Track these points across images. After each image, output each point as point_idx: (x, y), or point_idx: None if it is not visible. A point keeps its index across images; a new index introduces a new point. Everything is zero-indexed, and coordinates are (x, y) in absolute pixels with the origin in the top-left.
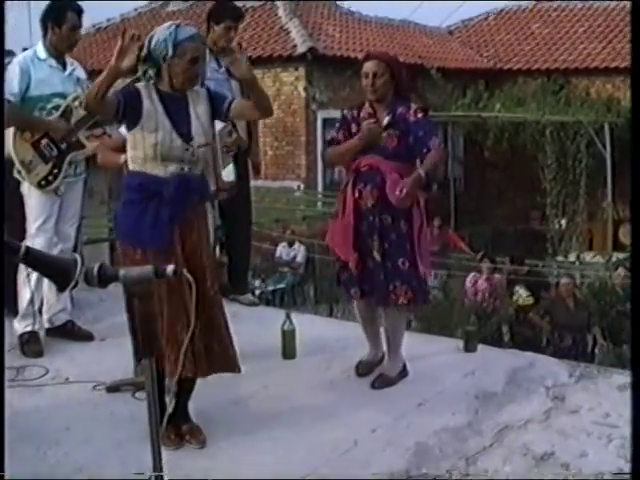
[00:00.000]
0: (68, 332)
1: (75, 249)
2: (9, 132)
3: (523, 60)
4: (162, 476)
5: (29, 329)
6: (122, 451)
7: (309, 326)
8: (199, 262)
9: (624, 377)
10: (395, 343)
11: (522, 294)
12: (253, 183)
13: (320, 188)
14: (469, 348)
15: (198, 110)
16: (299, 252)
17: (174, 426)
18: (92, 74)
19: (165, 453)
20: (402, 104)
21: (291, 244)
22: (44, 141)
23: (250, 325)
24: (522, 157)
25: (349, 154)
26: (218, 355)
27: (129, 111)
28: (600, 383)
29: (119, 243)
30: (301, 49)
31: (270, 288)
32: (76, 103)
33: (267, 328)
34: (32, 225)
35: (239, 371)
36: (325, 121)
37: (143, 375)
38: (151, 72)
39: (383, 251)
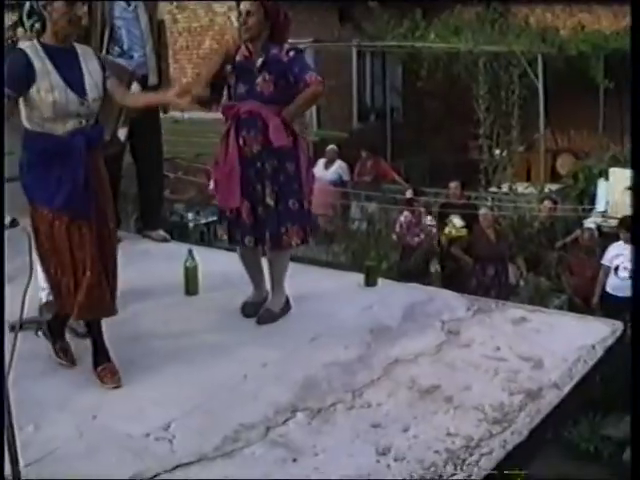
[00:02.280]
0: None
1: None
2: None
3: None
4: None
5: None
6: (17, 388)
7: (215, 261)
8: (101, 206)
9: (521, 311)
10: (279, 280)
11: (456, 224)
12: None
13: None
14: (369, 283)
15: (89, 65)
16: None
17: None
18: None
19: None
20: (276, 46)
21: None
22: None
23: (158, 262)
24: (458, 87)
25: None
26: (98, 298)
27: (23, 81)
28: (496, 317)
29: (29, 201)
30: None
31: (203, 221)
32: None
33: (175, 265)
34: None
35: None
36: None
37: (47, 314)
38: (37, 25)
39: (274, 195)
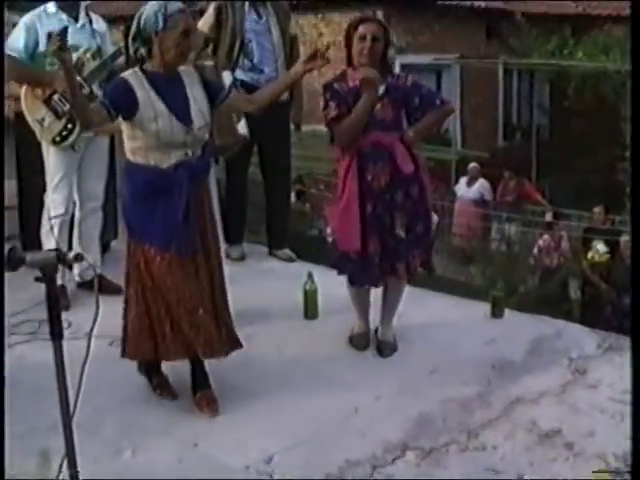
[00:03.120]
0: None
1: (105, 207)
2: (21, 91)
3: (612, 5)
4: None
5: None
6: (122, 411)
7: (337, 284)
8: (207, 240)
9: None
10: (395, 309)
11: (599, 250)
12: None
13: None
14: (496, 314)
15: (194, 92)
16: None
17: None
18: (116, 21)
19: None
20: (388, 73)
21: None
22: (56, 97)
23: (280, 282)
24: (606, 107)
25: (362, 121)
26: (227, 334)
27: (122, 107)
28: (627, 356)
29: (131, 239)
30: None
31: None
32: (88, 56)
33: (298, 286)
34: (50, 183)
35: (241, 347)
36: (403, 67)
37: None
38: (142, 50)
39: (405, 226)
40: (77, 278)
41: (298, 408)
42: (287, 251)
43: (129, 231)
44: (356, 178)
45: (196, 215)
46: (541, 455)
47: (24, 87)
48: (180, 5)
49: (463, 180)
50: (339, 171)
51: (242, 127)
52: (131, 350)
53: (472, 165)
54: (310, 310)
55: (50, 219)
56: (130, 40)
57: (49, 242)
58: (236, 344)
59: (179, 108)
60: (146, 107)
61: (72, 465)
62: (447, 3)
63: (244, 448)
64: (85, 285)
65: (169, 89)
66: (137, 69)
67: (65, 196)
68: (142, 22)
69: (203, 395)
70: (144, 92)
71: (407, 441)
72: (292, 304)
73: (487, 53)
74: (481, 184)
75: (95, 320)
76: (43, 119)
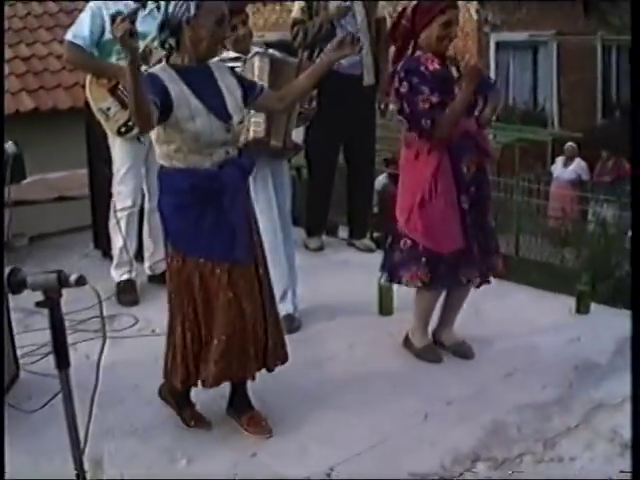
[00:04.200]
0: None
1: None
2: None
3: None
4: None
5: (125, 277)
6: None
7: None
8: (255, 246)
9: None
10: (457, 313)
11: None
12: None
13: None
14: (580, 310)
15: (227, 83)
16: None
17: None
18: None
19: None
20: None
21: None
22: (121, 86)
23: (357, 275)
24: None
25: (464, 110)
26: (274, 346)
27: (160, 107)
28: None
29: (175, 254)
30: None
31: None
32: (155, 44)
33: (375, 278)
34: (117, 174)
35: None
36: (498, 45)
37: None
38: (171, 41)
39: (485, 223)
40: (148, 271)
41: (363, 413)
42: (366, 241)
43: (174, 245)
44: (450, 172)
45: (247, 221)
46: (623, 468)
47: (89, 75)
48: None
49: (559, 160)
50: (417, 165)
51: (298, 136)
52: (183, 376)
53: (568, 144)
54: (385, 306)
55: (116, 212)
56: (157, 29)
57: (117, 236)
58: (284, 358)
59: (215, 104)
60: (181, 106)
61: None
62: None
63: (304, 458)
64: (155, 279)
65: (202, 84)
66: (164, 63)
67: (132, 188)
68: (170, 11)
69: (251, 418)
70: (177, 89)
71: (478, 451)
72: (367, 298)
73: (585, 29)
74: (577, 164)
75: (102, 349)
76: (109, 108)
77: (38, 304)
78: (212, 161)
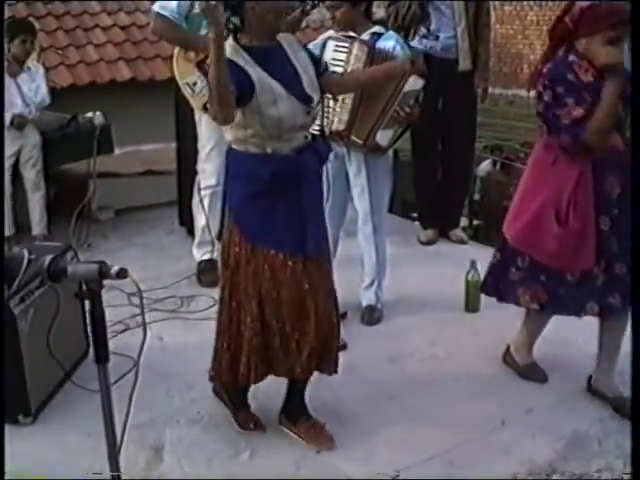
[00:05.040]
0: None
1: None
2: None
3: None
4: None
5: (206, 257)
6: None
7: None
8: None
9: None
10: (619, 351)
11: None
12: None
13: None
14: None
15: (301, 61)
16: None
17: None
18: None
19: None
20: None
21: None
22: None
23: (447, 267)
24: None
25: (612, 118)
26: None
27: (241, 92)
28: None
29: (245, 243)
30: None
31: None
32: None
33: (465, 272)
34: (202, 151)
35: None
36: None
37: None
38: (235, 20)
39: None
40: None
41: (439, 416)
42: (459, 232)
43: (244, 234)
44: (591, 188)
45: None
46: None
47: (176, 48)
48: None
49: None
50: (553, 173)
51: (383, 138)
52: (244, 374)
53: None
54: (471, 302)
55: (200, 190)
56: (219, 8)
57: (199, 214)
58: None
59: (294, 86)
60: (263, 89)
61: None
62: None
63: (370, 459)
64: None
65: (276, 64)
66: (234, 44)
67: (217, 167)
68: None
69: (311, 427)
70: (255, 71)
71: (555, 463)
72: (454, 293)
73: None
74: None
75: (142, 345)
76: (195, 83)
77: (77, 295)
78: (291, 146)
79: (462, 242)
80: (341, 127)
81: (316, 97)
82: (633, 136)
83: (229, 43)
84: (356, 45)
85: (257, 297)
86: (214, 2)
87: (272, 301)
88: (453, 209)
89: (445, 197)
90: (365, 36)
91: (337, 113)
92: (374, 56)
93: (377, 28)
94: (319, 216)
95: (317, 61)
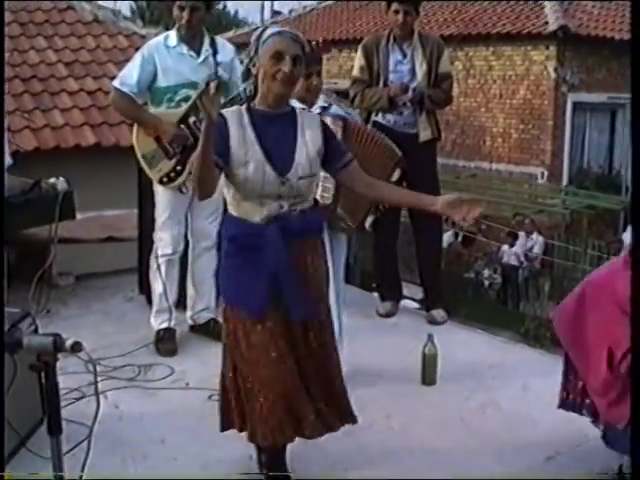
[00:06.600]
0: (210, 331)
1: (219, 248)
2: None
3: None
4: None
5: (164, 325)
6: (207, 473)
7: (464, 346)
8: (319, 308)
9: None
10: None
11: None
12: (495, 166)
13: (565, 177)
14: None
15: (307, 136)
16: (537, 243)
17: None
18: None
19: None
20: None
21: (529, 233)
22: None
23: (405, 339)
24: None
25: None
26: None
27: (219, 150)
28: None
29: (225, 303)
30: (552, 27)
31: (499, 280)
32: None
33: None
34: (158, 219)
35: (355, 422)
36: (575, 105)
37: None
38: (250, 87)
39: None
40: (189, 321)
41: None
42: (441, 311)
43: (222, 293)
44: None
45: (299, 278)
46: None
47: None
48: (280, 29)
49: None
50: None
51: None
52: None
53: None
54: (428, 376)
55: (157, 257)
56: (213, 100)
57: (157, 282)
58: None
59: (279, 152)
60: (239, 148)
61: None
62: (626, 39)
63: None
64: (196, 329)
65: (274, 130)
66: (243, 107)
67: (173, 235)
68: (247, 58)
69: None
70: (240, 131)
71: None
72: (411, 365)
73: None
74: None
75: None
76: (153, 156)
77: (32, 367)
78: (262, 214)
79: (443, 322)
80: (328, 202)
81: (301, 171)
82: (633, 135)
83: (237, 107)
84: (328, 120)
85: (238, 355)
86: (206, 96)
87: (245, 361)
88: (431, 287)
89: (420, 271)
90: (316, 109)
91: (322, 187)
92: (347, 131)
93: (322, 101)
94: (306, 283)
95: (340, 153)
